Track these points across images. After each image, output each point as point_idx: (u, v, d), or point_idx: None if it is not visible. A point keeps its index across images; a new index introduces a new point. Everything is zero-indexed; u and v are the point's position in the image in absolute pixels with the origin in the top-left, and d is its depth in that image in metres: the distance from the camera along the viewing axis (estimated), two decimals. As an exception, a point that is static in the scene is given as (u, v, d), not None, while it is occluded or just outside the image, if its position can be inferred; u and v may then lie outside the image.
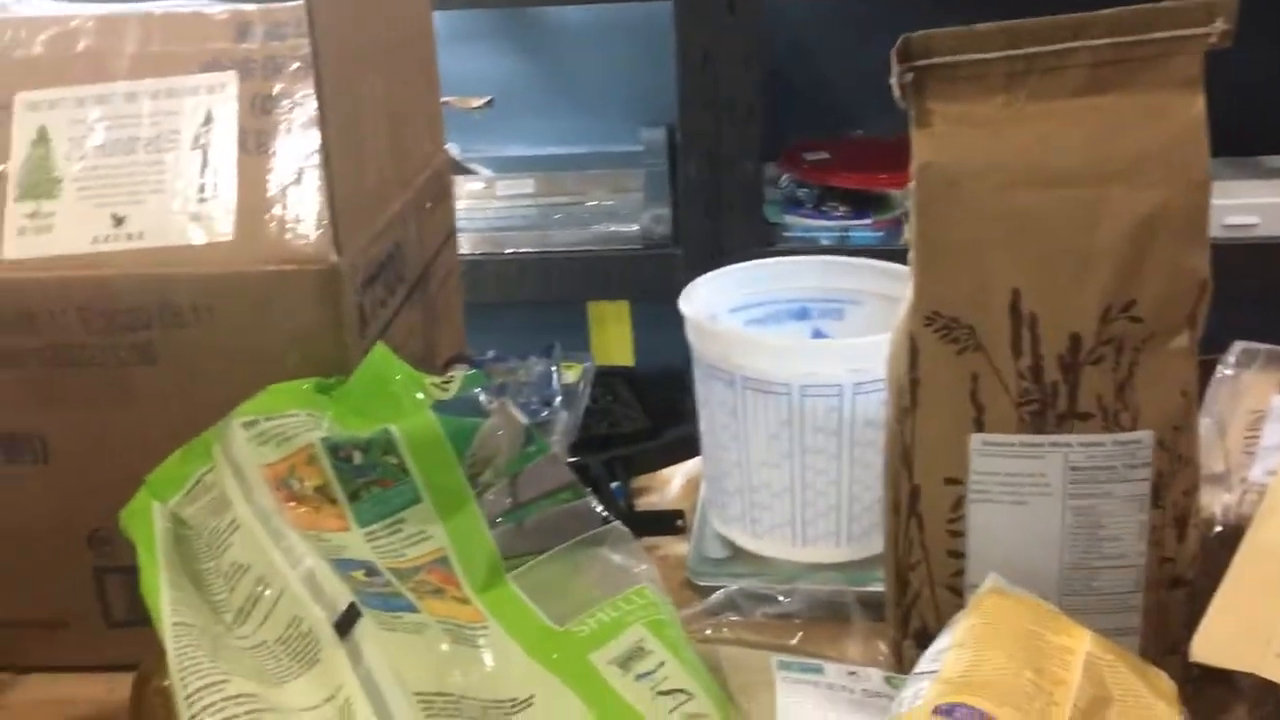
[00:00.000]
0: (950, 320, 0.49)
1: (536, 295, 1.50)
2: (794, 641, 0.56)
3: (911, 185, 0.49)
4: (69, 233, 0.55)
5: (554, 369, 0.69)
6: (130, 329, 0.54)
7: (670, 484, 0.76)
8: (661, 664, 0.42)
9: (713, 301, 0.66)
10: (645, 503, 0.74)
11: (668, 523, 0.69)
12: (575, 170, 1.54)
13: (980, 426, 0.50)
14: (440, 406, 0.50)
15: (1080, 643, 0.44)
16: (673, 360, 1.59)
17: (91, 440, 0.56)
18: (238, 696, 0.39)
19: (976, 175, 0.48)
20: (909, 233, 0.52)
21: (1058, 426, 0.49)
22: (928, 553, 0.53)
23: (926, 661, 0.44)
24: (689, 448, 0.78)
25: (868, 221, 1.50)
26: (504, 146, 1.60)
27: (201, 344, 0.55)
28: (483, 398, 0.50)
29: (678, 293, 0.64)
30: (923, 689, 0.42)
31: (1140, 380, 0.49)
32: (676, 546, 0.67)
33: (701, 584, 0.62)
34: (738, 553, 0.65)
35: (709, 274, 0.67)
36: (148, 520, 0.47)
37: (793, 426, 0.59)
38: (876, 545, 0.62)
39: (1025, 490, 0.50)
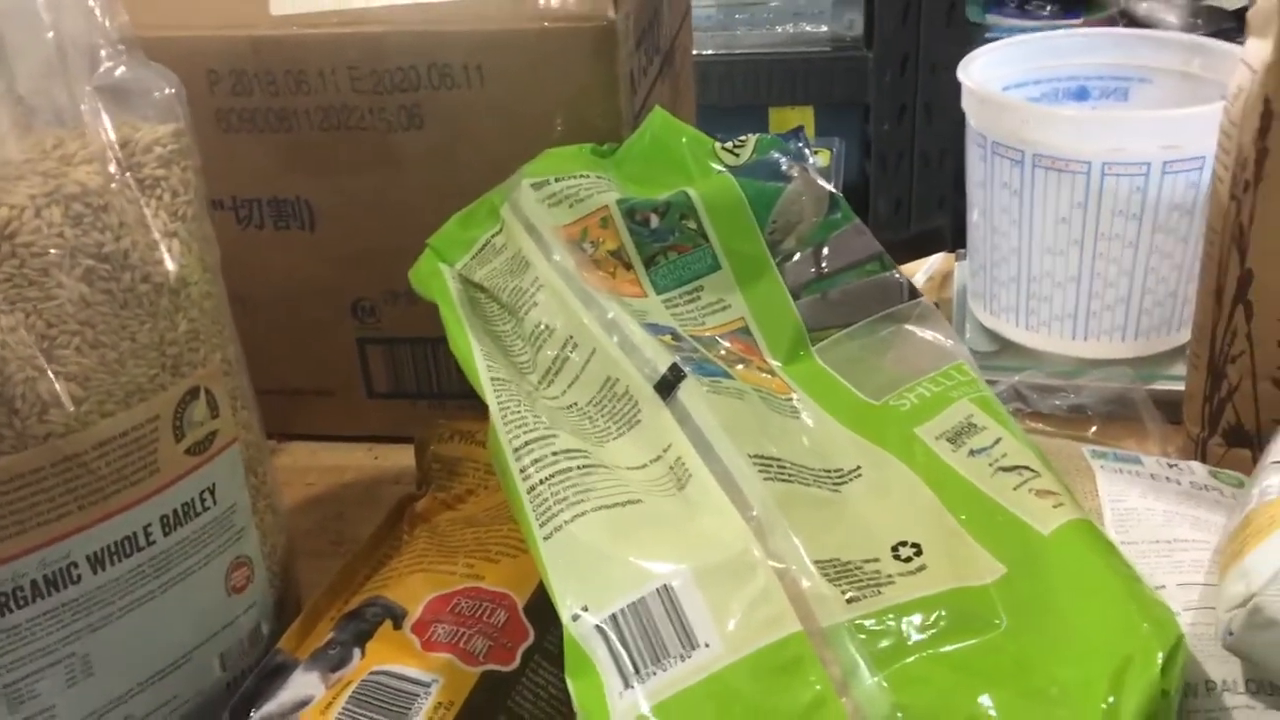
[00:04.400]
0: (1317, 81, 0.44)
1: (718, 100, 1.44)
2: (1090, 434, 0.52)
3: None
4: (335, -14, 0.52)
5: (806, 150, 0.65)
6: (399, 89, 0.52)
7: (913, 279, 0.73)
8: (997, 440, 0.40)
9: (988, 77, 0.61)
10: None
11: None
12: (761, -34, 1.45)
13: (1338, 202, 0.45)
14: (739, 170, 0.47)
15: None
16: (854, 177, 1.53)
17: (357, 207, 0.55)
18: (567, 451, 0.38)
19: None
20: (1264, -16, 0.46)
21: None
22: (1253, 343, 0.48)
23: (1283, 451, 0.41)
24: (935, 242, 0.74)
25: (1078, 21, 1.39)
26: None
27: (470, 106, 0.52)
28: (783, 162, 0.47)
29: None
30: (1291, 477, 0.38)
31: None
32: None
33: (968, 377, 0.59)
34: (1006, 346, 0.61)
35: (987, 46, 0.62)
36: (441, 279, 0.46)
37: (1088, 209, 0.55)
38: (1165, 341, 0.59)
39: (1383, 275, 0.46)
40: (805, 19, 1.41)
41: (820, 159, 0.67)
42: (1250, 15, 0.47)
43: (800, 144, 0.57)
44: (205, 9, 0.52)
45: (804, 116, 1.49)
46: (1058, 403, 0.54)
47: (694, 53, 1.44)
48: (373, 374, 0.59)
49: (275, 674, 0.40)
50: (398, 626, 0.40)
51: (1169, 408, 0.55)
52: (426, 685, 0.37)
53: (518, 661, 0.39)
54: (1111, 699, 0.31)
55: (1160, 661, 0.32)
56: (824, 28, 1.40)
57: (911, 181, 1.43)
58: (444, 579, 0.42)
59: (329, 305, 0.57)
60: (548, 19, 0.50)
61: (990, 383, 0.56)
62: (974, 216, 0.62)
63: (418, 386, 0.59)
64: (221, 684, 0.42)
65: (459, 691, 0.37)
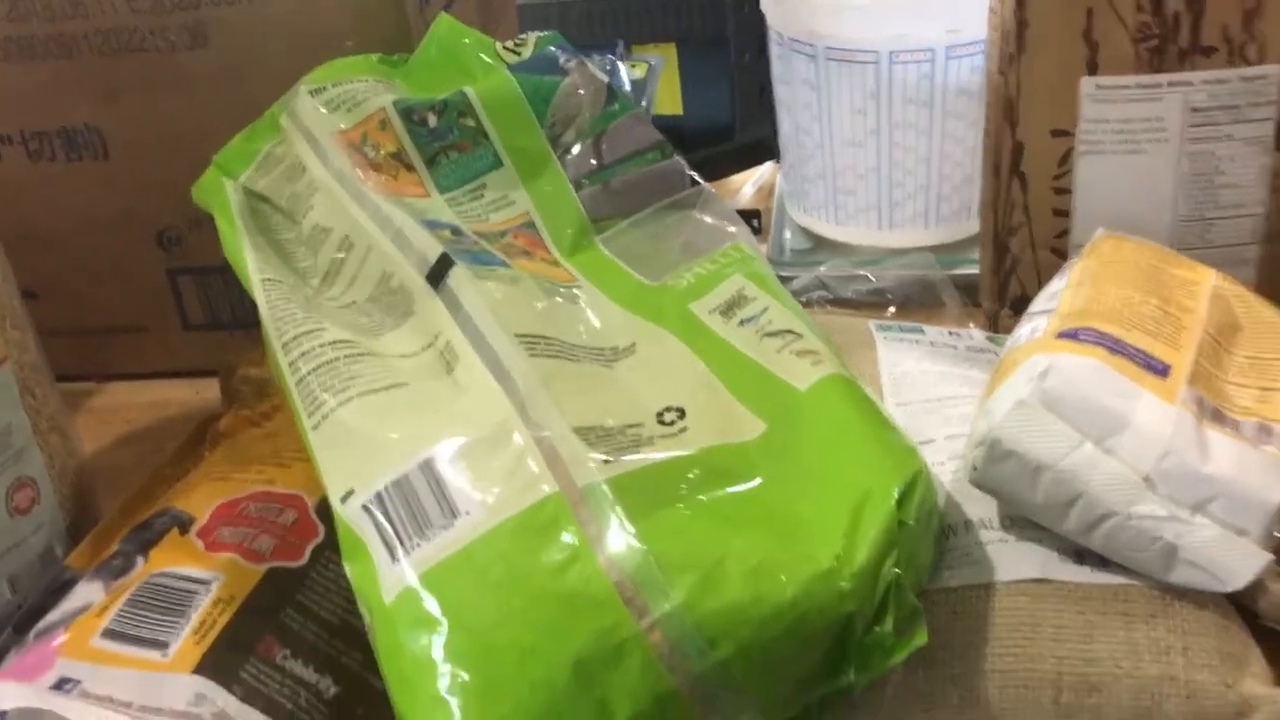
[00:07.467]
0: (1065, -51, 0.45)
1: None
2: (887, 316, 0.54)
3: None
4: (104, -96, 0.51)
5: (620, 63, 0.65)
6: (179, 8, 0.51)
7: (742, 190, 0.74)
8: (765, 309, 0.41)
9: (788, -20, 0.61)
10: (717, 208, 0.71)
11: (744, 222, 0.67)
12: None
13: (1093, 69, 0.47)
14: (516, 67, 0.47)
15: (1205, 276, 0.42)
16: (720, 113, 1.54)
17: (150, 132, 0.54)
18: (335, 342, 0.38)
19: None
20: None
21: (1179, 63, 0.46)
22: (1030, 214, 0.50)
23: (1041, 302, 0.42)
24: (763, 152, 0.75)
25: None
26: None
27: (256, 23, 0.52)
28: (560, 57, 0.47)
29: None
30: (1040, 325, 0.40)
31: (1271, 8, 0.45)
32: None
33: (784, 274, 0.60)
34: (820, 243, 0.63)
35: (784, -52, 0.62)
36: (221, 192, 0.46)
37: (880, 99, 0.56)
38: (967, 227, 0.60)
39: (1139, 137, 0.47)
40: (661, -47, 1.41)
41: (637, 71, 0.68)
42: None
43: (616, 58, 0.57)
44: (-31, -67, 0.51)
45: (666, 54, 1.48)
46: (859, 287, 0.56)
47: (550, -8, 1.42)
48: (186, 306, 0.58)
49: (62, 589, 0.39)
50: (184, 533, 0.40)
51: (970, 291, 0.56)
52: (206, 583, 0.37)
53: (306, 558, 0.39)
54: (850, 529, 0.33)
55: (897, 494, 0.33)
56: (680, -39, 1.40)
57: (775, 115, 1.44)
58: (235, 486, 0.42)
59: (133, 237, 0.56)
60: (324, -72, 0.50)
61: (795, 276, 0.58)
62: (782, 117, 0.63)
63: (234, 315, 0.58)
64: (13, 606, 0.41)
65: (241, 588, 0.37)
